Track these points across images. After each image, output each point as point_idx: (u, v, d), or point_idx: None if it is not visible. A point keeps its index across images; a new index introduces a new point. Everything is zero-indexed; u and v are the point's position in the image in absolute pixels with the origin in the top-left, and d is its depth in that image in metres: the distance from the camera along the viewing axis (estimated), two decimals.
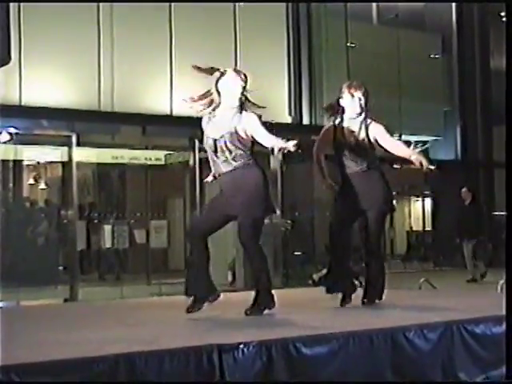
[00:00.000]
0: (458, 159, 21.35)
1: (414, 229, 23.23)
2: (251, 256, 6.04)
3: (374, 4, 20.93)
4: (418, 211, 23.33)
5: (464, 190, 15.82)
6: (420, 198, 23.19)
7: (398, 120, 19.77)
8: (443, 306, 6.38)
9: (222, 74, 6.13)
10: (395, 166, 20.35)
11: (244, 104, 6.09)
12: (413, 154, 6.55)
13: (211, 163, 6.14)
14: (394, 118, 19.59)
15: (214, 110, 6.07)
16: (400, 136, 20.29)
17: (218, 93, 6.06)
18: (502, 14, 19.87)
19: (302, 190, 17.42)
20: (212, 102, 6.07)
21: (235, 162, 5.96)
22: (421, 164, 6.51)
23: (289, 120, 16.74)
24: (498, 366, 5.14)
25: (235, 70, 6.24)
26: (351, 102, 6.72)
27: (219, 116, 6.06)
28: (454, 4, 21.39)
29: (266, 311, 5.99)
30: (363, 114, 6.75)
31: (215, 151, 6.02)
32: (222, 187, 6.12)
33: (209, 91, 6.09)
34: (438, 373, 4.99)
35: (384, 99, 18.57)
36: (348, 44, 18.71)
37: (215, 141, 6.02)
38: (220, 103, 6.06)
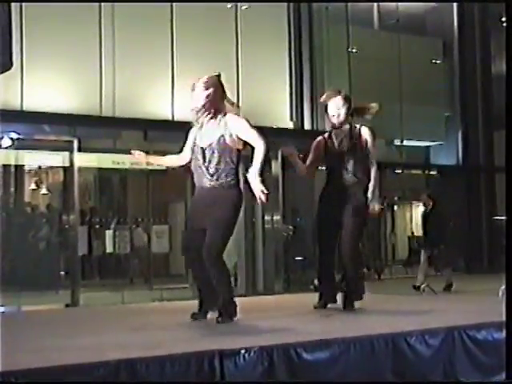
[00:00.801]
0: (460, 164, 21.33)
1: (416, 234, 23.19)
2: (218, 271, 6.01)
3: (376, 9, 20.94)
4: (419, 216, 23.30)
5: (424, 195, 15.03)
6: (421, 203, 23.16)
7: (399, 125, 19.79)
8: (444, 312, 6.38)
9: None
10: (397, 171, 20.42)
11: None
12: None
13: (195, 174, 6.10)
14: (395, 122, 19.61)
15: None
16: (401, 141, 20.33)
17: None
18: (503, 19, 19.89)
19: (304, 195, 17.42)
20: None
21: (221, 179, 5.95)
22: None
23: (290, 125, 16.75)
24: (500, 372, 5.14)
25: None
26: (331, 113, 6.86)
27: (208, 124, 6.03)
28: (455, 9, 21.39)
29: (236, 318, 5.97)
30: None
31: (204, 161, 6.00)
32: (199, 200, 6.11)
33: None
34: (440, 378, 4.98)
35: (385, 104, 18.52)
36: (349, 49, 18.73)
37: (204, 150, 6.00)
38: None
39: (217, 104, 5.97)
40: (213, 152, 5.95)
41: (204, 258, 5.93)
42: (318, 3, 17.89)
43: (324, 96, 6.92)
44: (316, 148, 6.98)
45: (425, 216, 15.01)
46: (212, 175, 5.96)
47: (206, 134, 5.99)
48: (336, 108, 6.76)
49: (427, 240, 14.45)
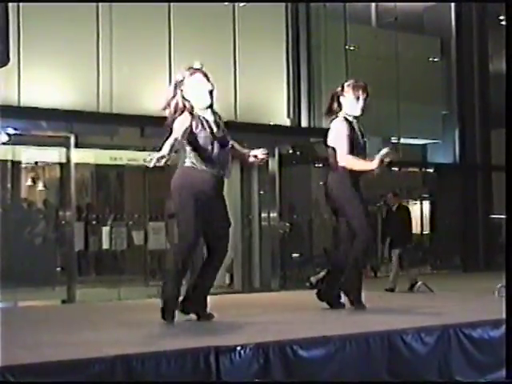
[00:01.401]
0: (457, 162, 21.36)
1: (412, 232, 23.20)
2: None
3: (373, 7, 20.95)
4: (416, 214, 23.31)
5: (389, 194, 14.60)
6: (418, 202, 23.18)
7: (396, 123, 19.80)
8: (440, 310, 6.38)
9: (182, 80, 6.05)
10: (393, 168, 20.44)
11: None
12: None
13: None
14: (392, 121, 19.63)
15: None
16: (399, 139, 20.35)
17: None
18: (501, 17, 19.90)
19: (300, 192, 17.43)
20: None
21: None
22: None
23: (287, 122, 16.74)
24: (496, 370, 5.14)
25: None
26: (355, 104, 6.65)
27: None
28: (453, 7, 21.41)
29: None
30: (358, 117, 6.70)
31: None
32: None
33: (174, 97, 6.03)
34: (435, 376, 4.99)
35: (383, 102, 18.60)
36: (347, 47, 18.73)
37: None
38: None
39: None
40: None
41: None
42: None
43: (359, 85, 6.70)
44: (350, 135, 6.70)
45: (388, 215, 14.64)
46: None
47: None
48: (364, 98, 6.67)
49: (394, 240, 14.09)
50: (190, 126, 5.83)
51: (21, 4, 13.20)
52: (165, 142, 5.59)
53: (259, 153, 6.13)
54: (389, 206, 14.66)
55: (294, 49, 17.11)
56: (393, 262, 14.05)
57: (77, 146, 13.81)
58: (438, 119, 21.41)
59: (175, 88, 6.04)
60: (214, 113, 6.03)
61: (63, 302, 12.65)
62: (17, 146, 13.95)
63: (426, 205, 22.81)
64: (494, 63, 21.34)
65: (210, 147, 5.85)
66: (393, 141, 20.27)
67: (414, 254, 14.70)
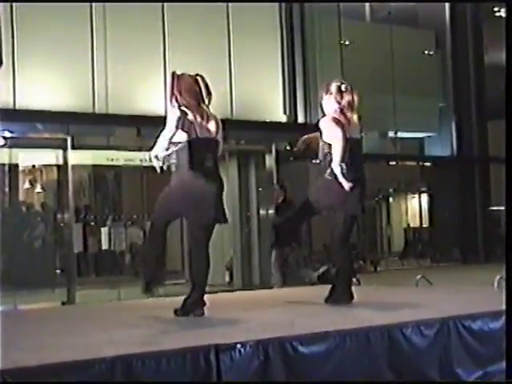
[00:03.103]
0: (454, 155, 21.35)
1: (411, 225, 23.25)
2: (194, 257, 6.12)
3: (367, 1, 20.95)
4: (414, 208, 23.35)
5: (277, 186, 13.56)
6: (416, 195, 23.22)
7: (392, 117, 19.80)
8: (440, 303, 6.38)
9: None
10: (391, 163, 20.45)
11: None
12: None
13: None
14: (388, 114, 19.63)
15: None
16: (395, 133, 20.35)
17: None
18: (496, 9, 19.90)
19: (298, 188, 17.40)
20: None
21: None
22: None
23: (284, 119, 16.74)
24: (496, 362, 5.14)
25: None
26: (334, 105, 6.65)
27: None
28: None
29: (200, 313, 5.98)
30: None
31: None
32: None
33: None
34: (436, 369, 4.99)
35: (378, 96, 18.60)
36: (341, 42, 18.72)
37: None
38: None
39: None
40: None
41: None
42: None
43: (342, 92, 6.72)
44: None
45: (276, 209, 13.42)
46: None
47: None
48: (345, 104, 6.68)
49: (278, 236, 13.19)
50: None
51: (14, 5, 13.18)
52: None
53: None
54: (276, 200, 13.42)
55: (288, 45, 17.08)
56: (273, 262, 13.17)
57: (73, 147, 13.79)
58: (435, 112, 21.40)
59: None
60: None
61: (63, 303, 12.63)
62: (13, 149, 13.92)
63: (425, 198, 22.85)
64: (490, 55, 21.33)
65: None
66: (390, 135, 20.29)
67: (301, 253, 13.39)
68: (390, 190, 22.16)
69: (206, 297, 6.06)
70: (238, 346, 4.31)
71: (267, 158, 15.68)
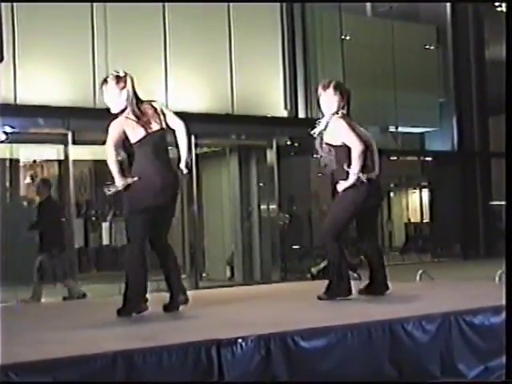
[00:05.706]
0: (455, 150, 21.34)
1: (412, 221, 23.25)
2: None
3: None
4: (415, 203, 23.35)
5: (39, 182, 12.27)
6: (417, 190, 23.21)
7: (393, 112, 19.78)
8: (441, 298, 6.38)
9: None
10: (392, 157, 20.42)
11: None
12: None
13: None
14: (389, 109, 19.60)
15: None
16: (396, 127, 20.34)
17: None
18: (496, 3, 19.87)
19: (299, 183, 17.41)
20: None
21: None
22: None
23: (285, 114, 16.73)
24: (497, 357, 5.14)
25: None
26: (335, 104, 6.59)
27: None
28: None
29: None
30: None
31: None
32: None
33: None
34: (437, 364, 4.98)
35: (379, 91, 18.59)
36: (342, 36, 18.70)
37: None
38: None
39: None
40: None
41: None
42: None
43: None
44: None
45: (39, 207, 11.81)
46: None
47: None
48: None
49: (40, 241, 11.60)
50: None
51: (15, 1, 13.17)
52: None
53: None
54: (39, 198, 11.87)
55: (289, 40, 17.07)
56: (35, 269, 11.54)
57: (74, 142, 13.78)
58: (436, 107, 21.38)
59: None
60: None
61: (64, 298, 12.62)
62: (14, 144, 13.92)
63: (425, 193, 22.84)
64: (491, 49, 21.31)
65: None
66: (391, 130, 20.28)
67: (64, 261, 11.87)
68: (391, 185, 22.16)
69: (207, 292, 6.06)
70: (240, 340, 4.31)
71: (268, 152, 15.68)
